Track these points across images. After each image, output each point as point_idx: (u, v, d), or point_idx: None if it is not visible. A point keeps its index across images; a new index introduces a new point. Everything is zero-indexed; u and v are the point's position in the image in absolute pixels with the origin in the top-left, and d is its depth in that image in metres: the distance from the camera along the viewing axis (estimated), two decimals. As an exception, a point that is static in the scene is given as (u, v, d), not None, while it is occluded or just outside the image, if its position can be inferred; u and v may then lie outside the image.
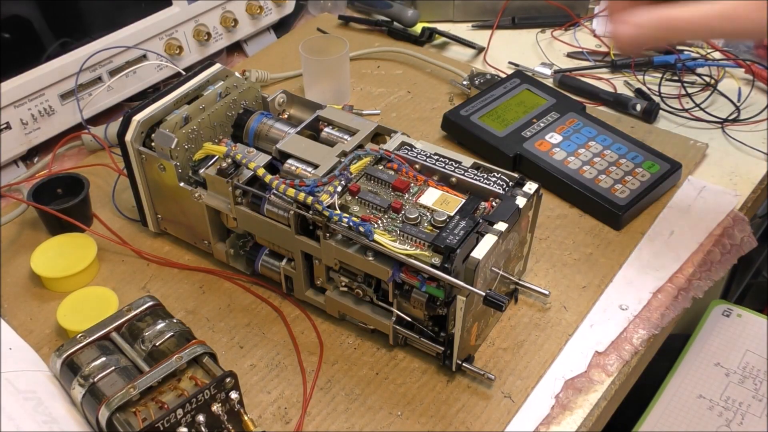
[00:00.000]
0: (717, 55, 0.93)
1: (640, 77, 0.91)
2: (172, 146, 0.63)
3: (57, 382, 0.56)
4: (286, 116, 0.70)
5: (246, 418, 0.53)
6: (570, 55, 0.97)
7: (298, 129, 0.65)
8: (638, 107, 0.85)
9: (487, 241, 0.54)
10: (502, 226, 0.55)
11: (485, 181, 0.59)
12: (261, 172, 0.59)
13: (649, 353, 0.66)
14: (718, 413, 0.81)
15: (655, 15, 0.58)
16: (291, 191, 0.58)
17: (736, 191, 0.75)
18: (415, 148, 0.63)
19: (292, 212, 0.59)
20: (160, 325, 0.56)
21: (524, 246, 0.63)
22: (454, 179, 0.60)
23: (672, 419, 0.81)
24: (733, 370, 0.84)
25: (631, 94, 0.89)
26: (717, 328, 0.89)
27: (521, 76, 0.86)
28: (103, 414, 0.50)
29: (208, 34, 0.91)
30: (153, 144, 0.64)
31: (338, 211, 0.56)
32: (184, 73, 0.71)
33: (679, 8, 0.57)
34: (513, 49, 0.98)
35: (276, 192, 0.59)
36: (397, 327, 0.60)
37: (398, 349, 0.62)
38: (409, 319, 0.59)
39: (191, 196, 0.64)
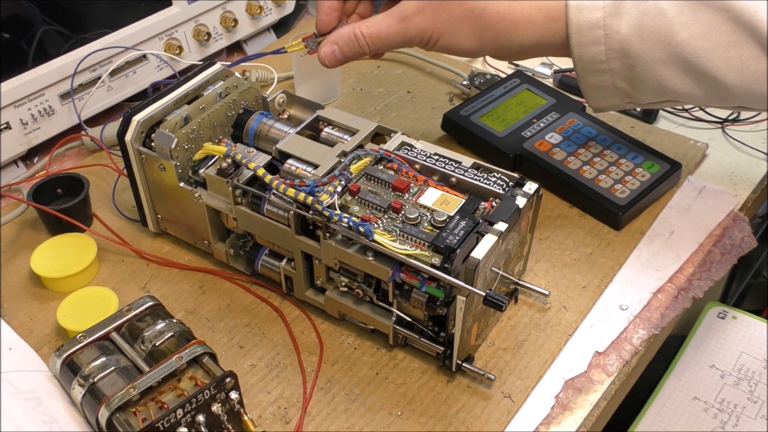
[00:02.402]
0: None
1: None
2: (172, 146, 0.63)
3: (57, 382, 0.56)
4: (286, 116, 0.70)
5: (246, 418, 0.53)
6: (570, 55, 0.97)
7: (298, 129, 0.65)
8: (638, 107, 0.85)
9: (487, 241, 0.54)
10: (502, 226, 0.55)
11: (485, 181, 0.59)
12: (261, 172, 0.59)
13: (649, 353, 0.66)
14: (713, 415, 0.81)
15: (344, 30, 0.65)
16: (291, 191, 0.58)
17: (736, 191, 0.75)
18: (415, 148, 0.63)
19: (292, 212, 0.59)
20: (160, 325, 0.56)
21: (524, 246, 0.63)
22: (454, 179, 0.60)
23: (667, 421, 0.81)
24: (728, 372, 0.84)
25: (631, 94, 0.89)
26: (712, 330, 0.89)
27: (521, 76, 0.86)
28: (103, 414, 0.50)
29: (208, 34, 0.91)
30: (153, 144, 0.64)
31: (338, 211, 0.56)
32: (178, 75, 0.71)
33: (364, 22, 0.64)
34: (513, 49, 0.98)
35: (276, 192, 0.59)
36: (397, 327, 0.60)
37: (398, 349, 0.62)
38: (409, 319, 0.59)
39: (191, 196, 0.64)
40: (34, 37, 0.78)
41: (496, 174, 0.60)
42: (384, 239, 0.55)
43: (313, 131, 0.66)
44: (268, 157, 0.63)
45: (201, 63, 0.83)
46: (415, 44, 0.65)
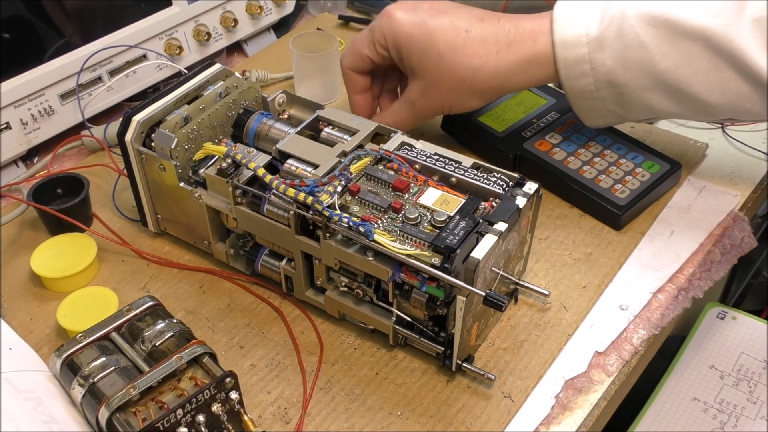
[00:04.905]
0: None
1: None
2: (172, 146, 0.63)
3: (57, 382, 0.56)
4: (286, 116, 0.70)
5: (246, 418, 0.53)
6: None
7: (298, 129, 0.65)
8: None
9: (487, 241, 0.54)
10: (502, 226, 0.55)
11: (485, 181, 0.59)
12: (261, 172, 0.59)
13: (649, 353, 0.66)
14: (712, 415, 0.81)
15: (378, 118, 0.75)
16: (291, 191, 0.58)
17: (736, 191, 0.75)
18: (415, 148, 0.63)
19: (292, 212, 0.59)
20: (160, 325, 0.56)
21: (524, 246, 0.63)
22: (454, 179, 0.60)
23: (667, 421, 0.81)
24: (727, 372, 0.84)
25: (631, 94, 0.89)
26: (712, 330, 0.89)
27: (521, 76, 0.86)
28: (103, 414, 0.50)
29: (208, 34, 0.91)
30: (153, 144, 0.64)
31: (338, 211, 0.56)
32: (185, 72, 0.71)
33: (388, 113, 0.75)
34: (513, 49, 0.98)
35: (276, 192, 0.59)
36: (397, 327, 0.60)
37: (398, 349, 0.62)
38: (409, 319, 0.59)
39: (191, 196, 0.64)
40: (34, 37, 0.78)
41: (496, 174, 0.60)
42: (384, 239, 0.55)
43: (313, 131, 0.66)
44: (268, 157, 0.63)
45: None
46: (436, 116, 0.75)
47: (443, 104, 0.71)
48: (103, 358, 0.54)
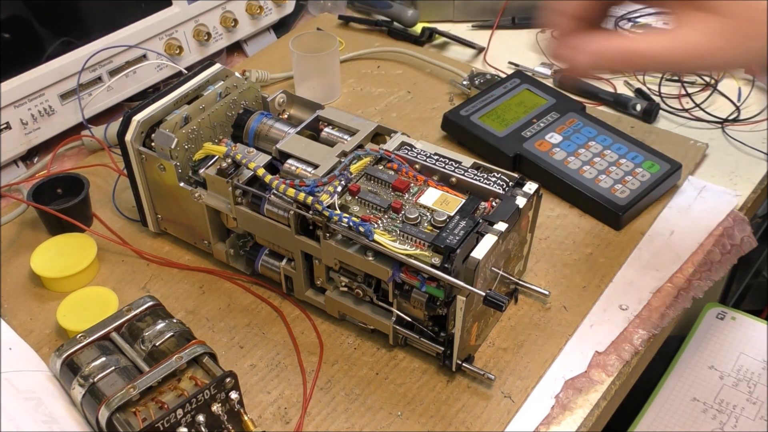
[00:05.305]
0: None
1: (640, 77, 0.91)
2: (172, 146, 0.63)
3: (57, 382, 0.56)
4: (286, 116, 0.70)
5: (246, 418, 0.53)
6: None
7: (298, 129, 0.65)
8: (638, 107, 0.85)
9: (487, 241, 0.54)
10: (502, 226, 0.55)
11: (485, 181, 0.59)
12: (261, 172, 0.59)
13: (649, 353, 0.66)
14: (712, 416, 0.81)
15: (615, 44, 0.50)
16: (291, 191, 0.58)
17: (736, 191, 0.75)
18: (415, 148, 0.63)
19: (292, 212, 0.59)
20: (160, 325, 0.56)
21: (524, 246, 0.63)
22: (454, 179, 0.60)
23: (666, 422, 0.81)
24: (727, 372, 0.84)
25: (631, 94, 0.89)
26: (711, 330, 0.89)
27: (521, 76, 0.86)
28: (103, 414, 0.50)
29: (208, 34, 0.91)
30: (153, 144, 0.64)
31: (338, 211, 0.56)
32: (185, 72, 0.71)
33: (641, 39, 0.51)
34: (513, 49, 0.98)
35: (276, 192, 0.59)
36: (397, 327, 0.60)
37: (398, 349, 0.62)
38: (409, 319, 0.59)
39: (191, 196, 0.64)
40: (35, 37, 0.78)
41: (496, 174, 0.60)
42: (384, 239, 0.55)
43: (313, 131, 0.66)
44: (268, 157, 0.63)
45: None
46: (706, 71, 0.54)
47: (743, 57, 0.47)
48: (103, 358, 0.54)
